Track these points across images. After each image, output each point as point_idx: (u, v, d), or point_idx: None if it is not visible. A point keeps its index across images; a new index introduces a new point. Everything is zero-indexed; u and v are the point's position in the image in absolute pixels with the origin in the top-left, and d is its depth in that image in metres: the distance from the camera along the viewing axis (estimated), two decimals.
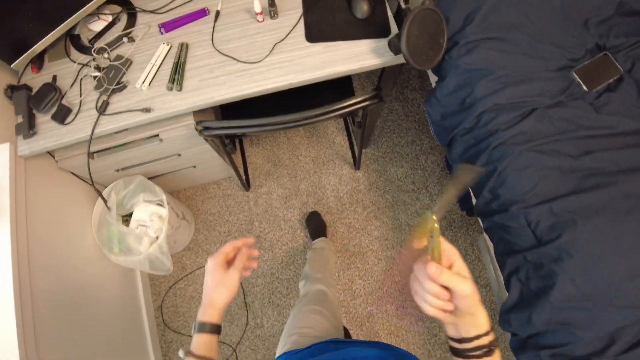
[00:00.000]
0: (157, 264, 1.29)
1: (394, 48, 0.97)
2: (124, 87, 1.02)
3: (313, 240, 1.48)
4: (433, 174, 1.60)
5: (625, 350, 0.81)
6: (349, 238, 1.54)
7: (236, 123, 0.98)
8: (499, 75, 1.01)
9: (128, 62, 1.03)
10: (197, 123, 1.01)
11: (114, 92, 1.01)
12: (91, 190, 1.31)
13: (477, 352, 0.43)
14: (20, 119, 1.02)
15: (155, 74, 1.02)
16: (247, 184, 1.58)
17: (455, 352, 0.45)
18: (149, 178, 1.35)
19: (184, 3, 1.08)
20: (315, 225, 1.51)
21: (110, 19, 1.09)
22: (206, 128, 0.99)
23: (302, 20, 1.05)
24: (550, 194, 0.94)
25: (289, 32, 1.04)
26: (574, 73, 1.06)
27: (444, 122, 1.10)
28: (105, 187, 1.28)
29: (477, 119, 1.02)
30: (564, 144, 0.98)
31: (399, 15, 1.05)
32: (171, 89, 1.00)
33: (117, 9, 1.11)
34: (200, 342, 0.56)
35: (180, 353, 0.57)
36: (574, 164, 0.96)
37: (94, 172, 1.11)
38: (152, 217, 1.27)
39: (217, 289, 0.59)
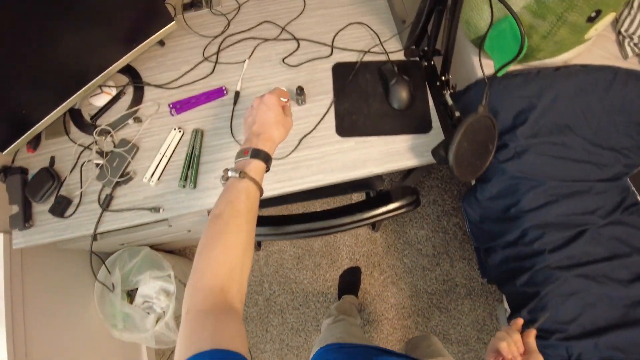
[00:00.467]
0: (164, 339, 1.22)
1: (438, 157, 0.86)
2: (130, 179, 0.91)
3: (340, 296, 1.41)
4: (455, 238, 1.52)
5: None
6: (363, 304, 1.47)
7: (260, 230, 0.88)
8: (549, 186, 0.91)
9: (134, 149, 0.92)
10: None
11: (118, 184, 0.90)
12: (94, 260, 1.22)
13: None
14: (15, 208, 0.91)
15: (166, 165, 0.90)
16: (258, 243, 1.49)
17: None
18: (155, 245, 1.26)
19: (199, 79, 0.95)
20: (350, 281, 1.44)
21: (114, 92, 0.96)
22: None
23: (332, 109, 0.93)
24: (595, 325, 0.86)
25: (318, 123, 0.92)
26: (628, 180, 0.96)
27: (483, 225, 1.00)
28: (109, 254, 1.19)
29: (521, 233, 0.92)
30: (614, 269, 0.89)
31: (443, 107, 0.93)
32: (184, 186, 0.89)
33: (122, 79, 0.97)
34: (256, 167, 0.54)
35: (230, 173, 0.53)
36: (623, 292, 0.88)
37: (97, 247, 1.02)
38: (158, 294, 1.19)
39: (278, 126, 0.60)
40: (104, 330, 1.17)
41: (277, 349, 1.44)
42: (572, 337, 0.85)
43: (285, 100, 0.68)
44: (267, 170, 0.60)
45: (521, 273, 0.92)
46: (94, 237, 0.90)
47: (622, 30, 1.08)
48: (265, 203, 1.18)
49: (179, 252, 1.51)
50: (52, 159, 0.94)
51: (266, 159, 0.58)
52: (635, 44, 1.09)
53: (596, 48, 1.07)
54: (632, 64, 1.09)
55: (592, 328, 0.86)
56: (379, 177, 1.18)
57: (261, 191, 0.56)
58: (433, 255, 1.51)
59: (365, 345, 0.71)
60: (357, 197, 1.51)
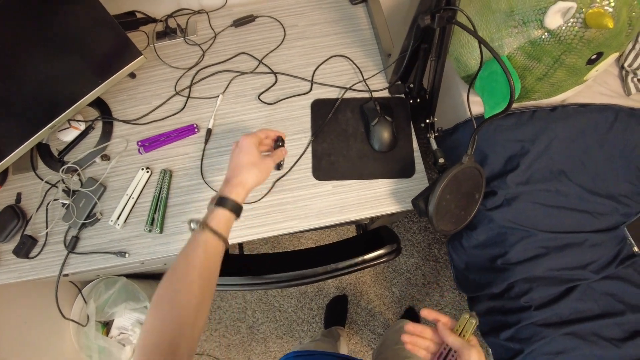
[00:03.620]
0: None
1: (418, 209, 0.81)
2: (96, 220, 0.87)
3: (326, 326, 1.37)
4: (446, 267, 1.46)
5: None
6: (349, 335, 1.43)
7: (231, 281, 0.84)
8: (540, 238, 0.85)
9: (101, 189, 0.88)
10: None
11: (84, 225, 0.87)
12: (69, 288, 1.20)
13: None
14: None
15: (132, 207, 0.86)
16: None
17: None
18: (132, 274, 1.23)
19: (170, 115, 0.91)
20: (337, 311, 1.40)
21: (82, 127, 0.92)
22: None
23: (309, 149, 0.88)
24: None
25: (294, 165, 0.87)
26: (625, 229, 0.90)
27: (469, 273, 0.95)
28: (87, 282, 1.16)
29: (507, 286, 0.87)
30: (606, 327, 0.83)
31: (427, 152, 0.87)
32: (150, 230, 0.85)
33: (92, 113, 0.93)
34: (219, 217, 0.51)
35: (192, 224, 0.52)
36: (615, 353, 0.82)
37: (72, 278, 1.00)
38: (134, 326, 1.16)
39: (251, 170, 0.58)
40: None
41: None
42: None
43: (278, 142, 0.67)
44: (237, 217, 0.56)
45: (506, 327, 0.87)
46: (59, 280, 0.86)
47: (626, 65, 1.01)
48: None
49: (159, 277, 1.48)
50: (19, 196, 0.91)
51: (234, 207, 0.55)
52: (639, 80, 1.01)
53: (596, 84, 1.00)
54: (635, 101, 1.01)
55: None
56: None
57: (225, 243, 0.53)
58: (423, 284, 1.45)
59: (335, 354, 0.68)
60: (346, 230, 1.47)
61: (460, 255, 0.95)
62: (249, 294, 1.46)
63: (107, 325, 1.19)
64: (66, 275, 0.97)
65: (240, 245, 1.19)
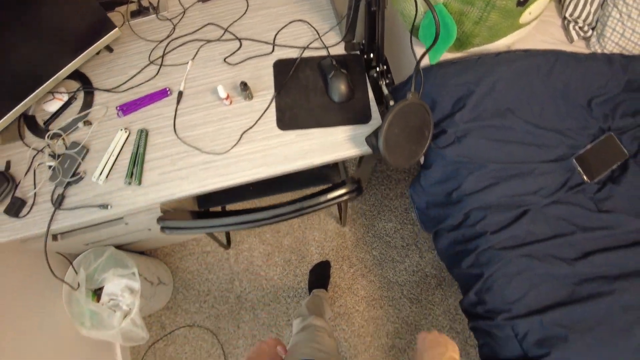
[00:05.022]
0: (132, 335, 1.25)
1: (371, 145, 0.88)
2: (80, 178, 0.94)
3: (310, 290, 1.43)
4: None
5: None
6: (333, 298, 1.48)
7: (201, 223, 0.91)
8: (490, 169, 0.92)
9: (84, 150, 0.95)
10: (159, 220, 0.93)
11: (69, 184, 0.94)
12: (61, 260, 1.26)
13: None
14: None
15: (113, 165, 0.94)
16: (227, 241, 1.51)
17: None
18: (122, 245, 1.29)
19: (145, 81, 0.99)
20: (320, 275, 1.46)
21: (65, 98, 1.00)
22: (168, 228, 0.92)
23: (273, 104, 0.95)
24: (541, 304, 0.87)
25: (259, 118, 0.94)
26: (574, 161, 0.97)
27: (429, 211, 1.01)
28: (77, 255, 1.22)
29: (464, 216, 0.93)
30: (559, 247, 0.90)
31: (382, 100, 0.95)
32: (129, 183, 0.92)
33: (74, 85, 1.01)
34: None
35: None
36: (569, 270, 0.88)
37: (62, 247, 1.06)
38: (123, 291, 1.22)
39: None
40: (74, 330, 1.21)
41: (250, 344, 1.46)
42: (517, 316, 0.86)
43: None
44: None
45: (466, 255, 0.93)
46: (48, 234, 0.93)
47: (567, 14, 1.09)
48: (223, 199, 1.21)
49: (150, 253, 1.54)
50: (8, 163, 0.98)
51: None
52: (580, 28, 1.09)
53: (539, 34, 1.08)
54: (577, 47, 1.09)
55: (537, 307, 0.86)
56: (335, 171, 1.20)
57: None
58: (402, 247, 1.52)
59: None
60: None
61: (420, 195, 1.01)
62: (235, 265, 1.52)
63: (97, 293, 1.24)
64: (55, 238, 1.04)
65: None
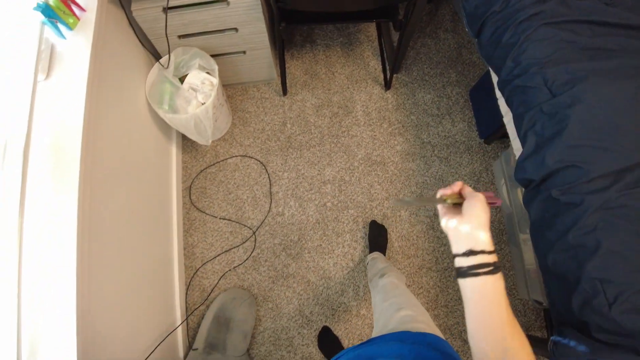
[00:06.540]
0: (201, 128, 1.41)
1: None
2: None
3: (371, 252, 1.45)
4: (457, 103, 1.72)
5: (626, 188, 0.89)
6: (372, 148, 1.65)
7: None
8: None
9: None
10: None
11: None
12: (147, 56, 1.44)
13: (483, 270, 0.44)
14: None
15: None
16: (284, 89, 1.70)
17: (460, 272, 0.46)
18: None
19: None
20: (377, 235, 1.48)
21: None
22: None
23: None
24: (566, 60, 1.04)
25: None
26: None
27: (477, 11, 1.22)
28: (163, 56, 1.41)
29: (505, 2, 1.14)
30: (579, 26, 1.09)
31: None
32: None
33: None
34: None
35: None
36: (588, 41, 1.06)
37: (159, 36, 1.24)
38: (204, 82, 1.40)
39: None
40: (152, 111, 1.37)
41: (294, 177, 1.60)
42: (546, 67, 1.04)
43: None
44: None
45: (506, 31, 1.12)
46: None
47: None
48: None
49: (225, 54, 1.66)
50: None
51: None
52: None
53: None
54: None
55: (563, 62, 1.04)
56: (396, 12, 1.43)
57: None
58: (437, 115, 1.70)
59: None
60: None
61: (471, 2, 1.23)
62: (289, 112, 1.70)
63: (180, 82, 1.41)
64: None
65: None
